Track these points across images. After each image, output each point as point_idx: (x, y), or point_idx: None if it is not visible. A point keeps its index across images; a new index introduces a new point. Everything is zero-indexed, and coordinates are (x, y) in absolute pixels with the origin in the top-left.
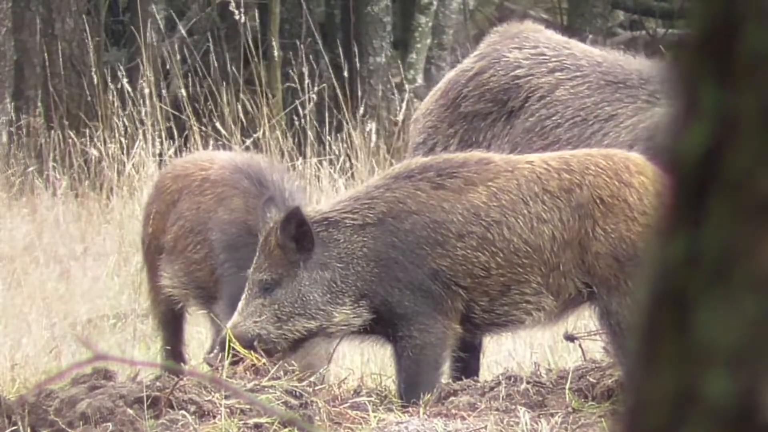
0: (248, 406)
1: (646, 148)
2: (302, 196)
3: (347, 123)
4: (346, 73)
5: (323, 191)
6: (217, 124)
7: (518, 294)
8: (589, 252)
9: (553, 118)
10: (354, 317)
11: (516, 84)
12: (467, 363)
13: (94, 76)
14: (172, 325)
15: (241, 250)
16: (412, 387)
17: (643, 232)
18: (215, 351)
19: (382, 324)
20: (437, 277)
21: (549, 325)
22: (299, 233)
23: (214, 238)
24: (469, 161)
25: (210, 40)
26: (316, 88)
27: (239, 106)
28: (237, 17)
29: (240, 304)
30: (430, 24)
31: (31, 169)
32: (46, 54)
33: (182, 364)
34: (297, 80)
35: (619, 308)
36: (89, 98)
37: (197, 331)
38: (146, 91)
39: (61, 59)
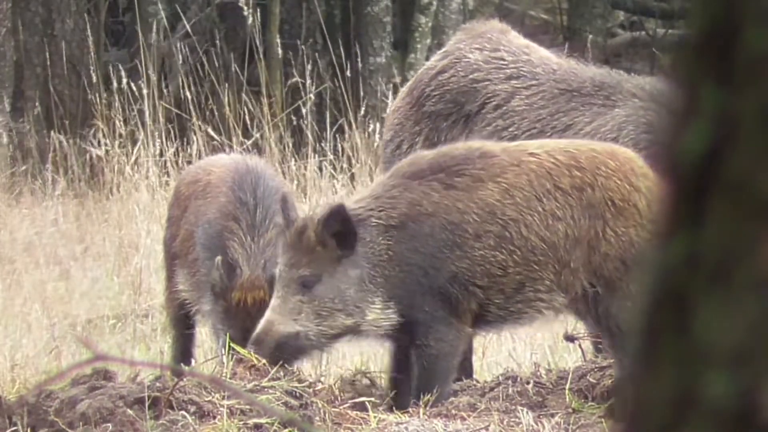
0: (248, 407)
1: None
2: (278, 198)
3: (347, 123)
4: (348, 73)
5: (323, 191)
6: (219, 125)
7: (532, 291)
8: (597, 252)
9: (509, 130)
10: (383, 319)
11: (474, 87)
12: (462, 364)
13: (94, 76)
14: (183, 325)
15: (214, 250)
16: (425, 393)
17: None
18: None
19: (402, 329)
20: (456, 280)
21: (552, 322)
22: (344, 229)
23: (198, 235)
24: (471, 155)
25: (210, 40)
26: (316, 89)
27: (240, 107)
28: (246, 14)
29: (274, 302)
30: (430, 24)
31: (29, 169)
32: (46, 54)
33: (191, 363)
34: (298, 80)
35: (619, 311)
36: (89, 98)
37: (197, 331)
38: (146, 91)
39: (61, 59)
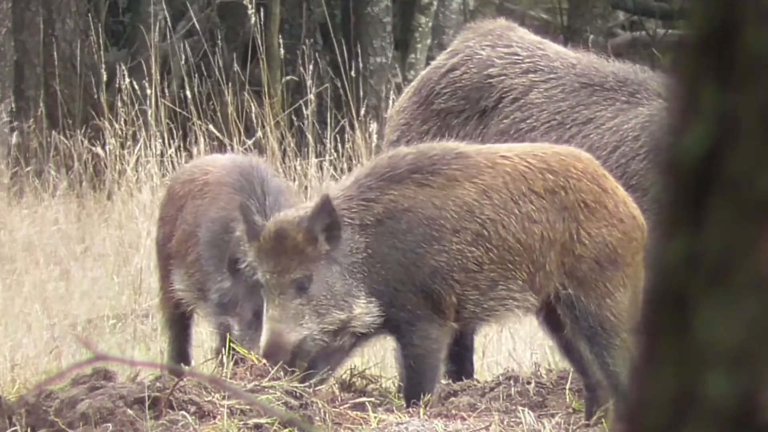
0: (248, 407)
1: (632, 149)
2: (288, 196)
3: (348, 123)
4: (349, 73)
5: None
6: (220, 124)
7: (505, 290)
8: (571, 254)
9: (528, 121)
10: (367, 314)
11: (489, 83)
12: (462, 365)
13: (103, 73)
14: (179, 325)
15: (219, 248)
16: (415, 391)
17: (621, 237)
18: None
19: (388, 327)
20: (436, 275)
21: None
22: (332, 221)
23: (200, 235)
24: (447, 156)
25: (211, 40)
26: (317, 89)
27: (241, 106)
28: (249, 13)
29: (274, 312)
30: (430, 24)
31: (30, 169)
32: (52, 53)
33: (189, 363)
34: (298, 80)
35: (599, 309)
36: (91, 97)
37: (196, 331)
38: (148, 91)
39: (61, 59)
